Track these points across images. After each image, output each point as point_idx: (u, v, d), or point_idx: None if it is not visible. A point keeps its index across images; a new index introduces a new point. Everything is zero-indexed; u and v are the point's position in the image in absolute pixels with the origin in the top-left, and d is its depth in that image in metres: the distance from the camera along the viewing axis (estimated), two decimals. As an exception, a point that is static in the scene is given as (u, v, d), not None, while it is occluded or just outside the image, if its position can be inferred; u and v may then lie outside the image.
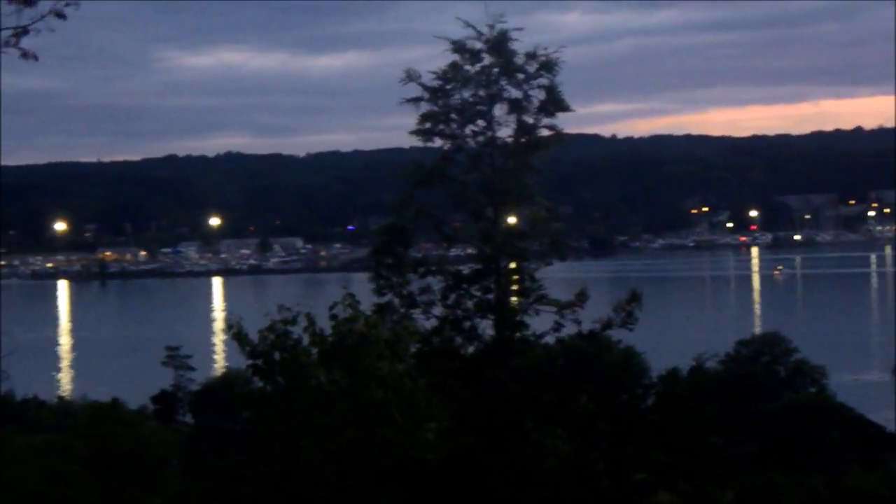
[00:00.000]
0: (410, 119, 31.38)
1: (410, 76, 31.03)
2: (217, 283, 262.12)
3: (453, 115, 31.25)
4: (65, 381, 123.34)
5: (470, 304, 31.18)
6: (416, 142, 32.02)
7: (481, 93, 31.25)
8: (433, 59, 35.46)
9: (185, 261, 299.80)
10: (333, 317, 24.87)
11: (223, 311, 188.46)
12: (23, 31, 13.47)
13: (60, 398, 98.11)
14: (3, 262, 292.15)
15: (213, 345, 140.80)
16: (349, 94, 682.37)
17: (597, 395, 31.25)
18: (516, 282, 31.50)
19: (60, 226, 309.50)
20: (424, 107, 31.07)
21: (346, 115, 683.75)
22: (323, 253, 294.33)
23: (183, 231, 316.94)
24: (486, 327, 31.26)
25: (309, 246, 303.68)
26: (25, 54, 13.46)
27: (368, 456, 25.30)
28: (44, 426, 66.52)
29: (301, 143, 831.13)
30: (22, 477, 43.12)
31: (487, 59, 31.19)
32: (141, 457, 49.63)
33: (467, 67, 31.10)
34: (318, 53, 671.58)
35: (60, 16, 11.72)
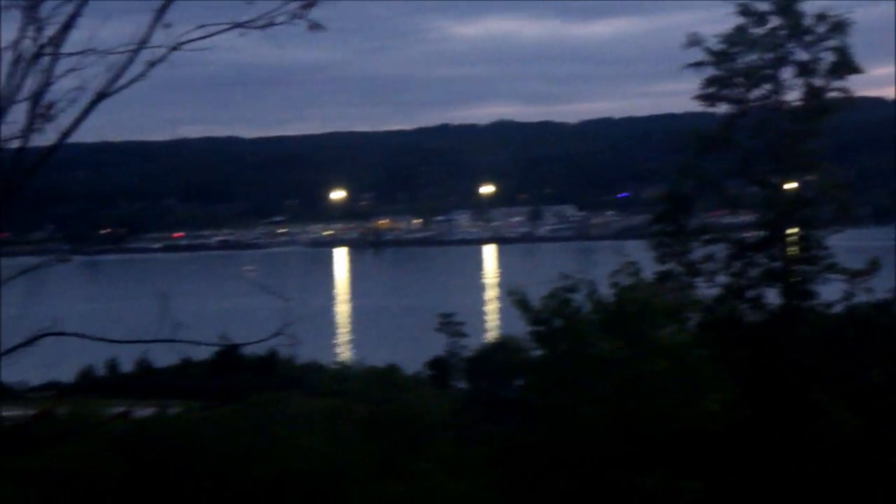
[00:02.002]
0: (686, 84, 30.93)
1: (693, 41, 30.45)
2: (488, 250, 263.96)
3: (738, 80, 30.56)
4: (343, 346, 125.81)
5: (755, 272, 30.45)
6: (689, 107, 31.55)
7: (768, 56, 30.48)
8: (706, 24, 34.69)
9: (458, 229, 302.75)
10: (614, 284, 24.60)
11: (495, 278, 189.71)
12: (310, 3, 13.61)
13: (339, 363, 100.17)
14: (283, 231, 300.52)
15: (486, 312, 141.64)
16: (621, 61, 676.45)
17: (889, 368, 30.12)
18: (804, 249, 30.65)
19: (337, 194, 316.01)
20: (707, 72, 30.50)
21: (618, 82, 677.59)
22: (594, 221, 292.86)
23: (455, 199, 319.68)
24: (772, 296, 30.50)
25: (580, 213, 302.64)
26: (313, 26, 13.58)
27: (647, 425, 24.91)
28: (323, 390, 67.82)
29: (572, 111, 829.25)
30: (304, 439, 43.99)
31: (774, 22, 30.39)
32: (416, 422, 50.20)
33: (753, 30, 30.36)
34: (589, 20, 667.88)
35: (346, -14, 11.69)
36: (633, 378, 24.12)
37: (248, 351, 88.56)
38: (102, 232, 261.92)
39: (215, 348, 77.07)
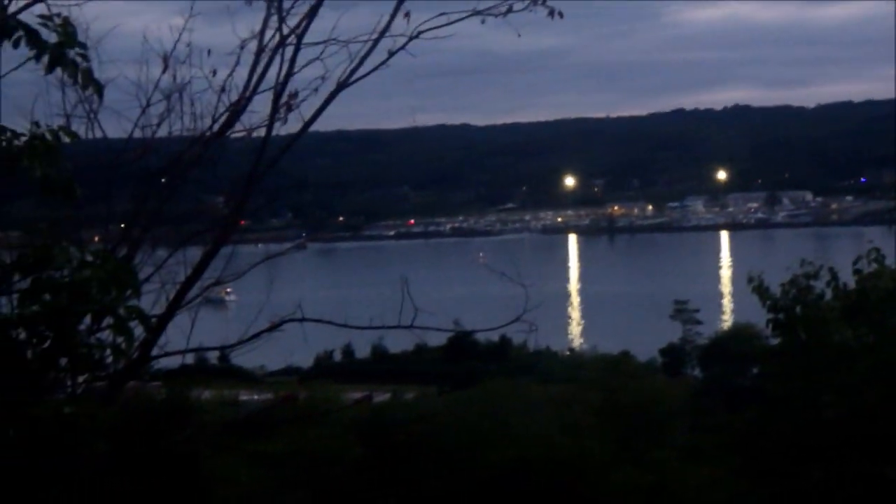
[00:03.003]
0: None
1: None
2: (723, 237, 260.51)
3: None
4: (575, 333, 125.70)
5: None
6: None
7: None
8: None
9: (692, 215, 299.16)
10: (857, 271, 23.97)
11: (730, 265, 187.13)
12: (553, -10, 13.61)
13: (571, 350, 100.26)
14: (515, 217, 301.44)
15: (721, 299, 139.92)
16: (861, 43, 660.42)
17: None
18: None
19: (569, 181, 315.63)
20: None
21: (859, 65, 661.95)
22: (833, 206, 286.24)
23: (689, 185, 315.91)
24: None
25: (818, 199, 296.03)
26: (552, 12, 13.56)
27: (891, 415, 24.25)
28: (555, 377, 67.99)
29: (811, 95, 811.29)
30: (538, 426, 44.11)
31: None
32: (651, 410, 49.93)
33: None
34: (827, 2, 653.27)
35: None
36: (877, 367, 23.42)
37: (481, 337, 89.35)
38: (338, 219, 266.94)
39: (449, 334, 78.07)
